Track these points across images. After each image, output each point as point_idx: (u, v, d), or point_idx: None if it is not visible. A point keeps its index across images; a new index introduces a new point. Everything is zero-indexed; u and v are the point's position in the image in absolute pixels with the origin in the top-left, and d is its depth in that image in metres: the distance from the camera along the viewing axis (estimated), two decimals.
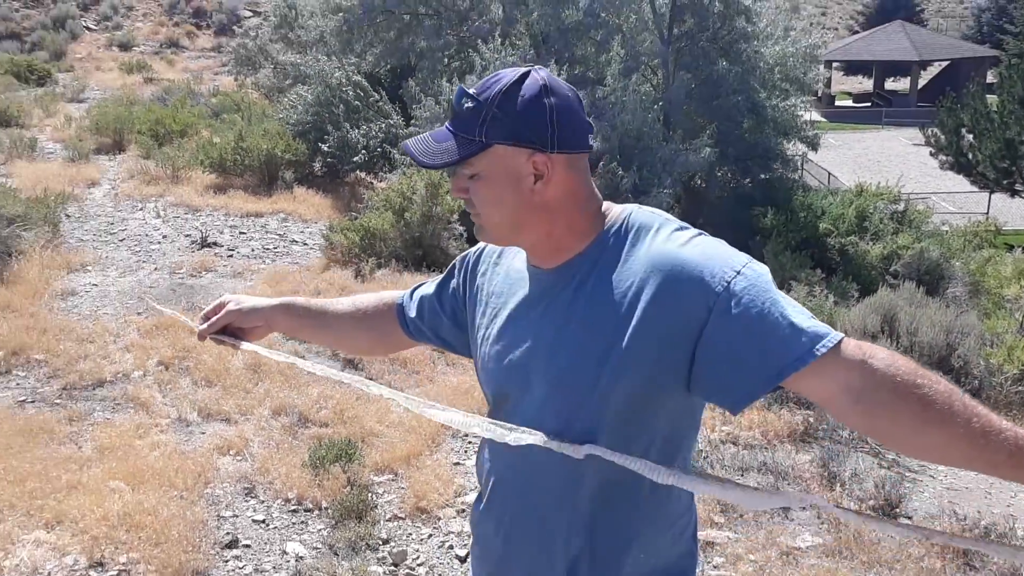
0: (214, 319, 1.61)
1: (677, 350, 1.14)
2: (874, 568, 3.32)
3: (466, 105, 1.22)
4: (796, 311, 1.12)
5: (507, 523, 1.33)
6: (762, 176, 12.15)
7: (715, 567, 3.30)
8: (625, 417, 1.18)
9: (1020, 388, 5.52)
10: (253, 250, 8.17)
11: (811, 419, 4.75)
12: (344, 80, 12.22)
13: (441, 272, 1.59)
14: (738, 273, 1.13)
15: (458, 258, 1.52)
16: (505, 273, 1.37)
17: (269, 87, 18.00)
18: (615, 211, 1.28)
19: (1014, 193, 16.68)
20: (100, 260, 7.46)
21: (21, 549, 3.20)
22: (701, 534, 3.48)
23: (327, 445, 3.98)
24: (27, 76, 21.13)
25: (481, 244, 1.45)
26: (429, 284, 1.56)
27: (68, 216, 8.73)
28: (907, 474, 4.41)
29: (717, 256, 1.15)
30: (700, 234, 1.22)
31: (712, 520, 3.63)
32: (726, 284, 1.12)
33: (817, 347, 1.08)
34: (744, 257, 1.17)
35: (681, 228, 1.22)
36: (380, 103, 12.12)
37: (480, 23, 13.06)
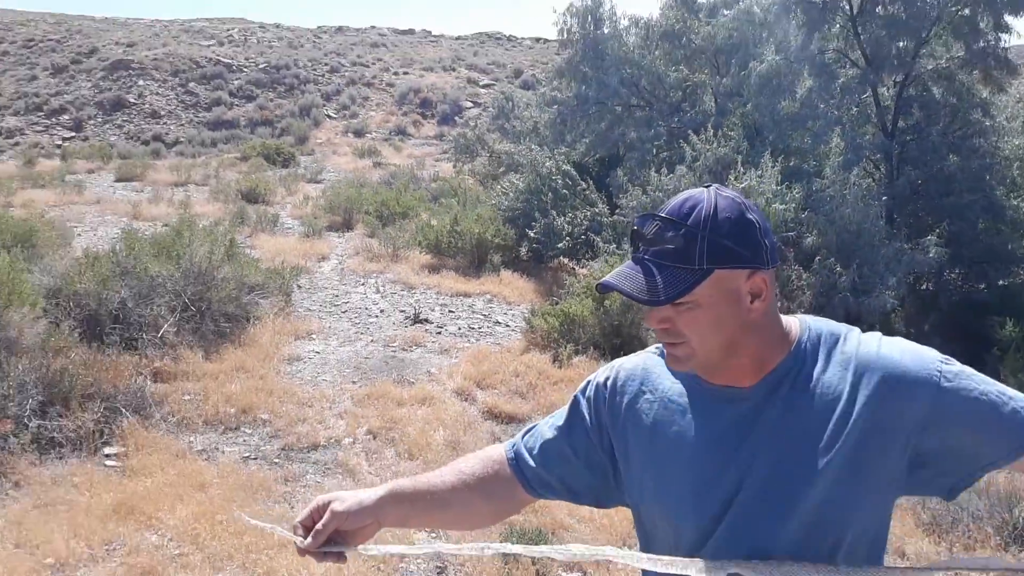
0: (319, 528, 1.35)
1: (895, 450, 1.15)
2: None
3: (669, 233, 1.19)
4: (1007, 388, 1.17)
5: None
6: (1000, 282, 11.10)
7: None
8: (830, 521, 1.18)
9: None
10: (459, 328, 8.52)
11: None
12: (554, 169, 12.66)
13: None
14: (943, 363, 1.17)
15: (579, 394, 1.41)
16: (663, 399, 1.30)
17: (484, 174, 18.99)
18: (793, 320, 1.28)
19: None
20: (324, 329, 8.08)
21: None
22: None
23: (518, 533, 3.99)
24: (275, 158, 23.71)
25: (607, 373, 1.38)
26: (545, 429, 1.42)
27: (299, 287, 9.56)
28: None
29: (916, 353, 1.19)
30: (883, 336, 1.24)
31: None
32: (937, 376, 1.15)
33: None
34: (936, 351, 1.21)
35: (865, 332, 1.26)
36: (587, 191, 12.42)
37: (692, 114, 13.14)
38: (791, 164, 10.69)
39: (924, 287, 10.86)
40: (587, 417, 1.37)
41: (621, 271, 1.23)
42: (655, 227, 1.20)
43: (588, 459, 1.37)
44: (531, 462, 1.40)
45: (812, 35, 11.23)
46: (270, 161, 23.23)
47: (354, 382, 6.57)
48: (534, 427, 1.45)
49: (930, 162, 11.22)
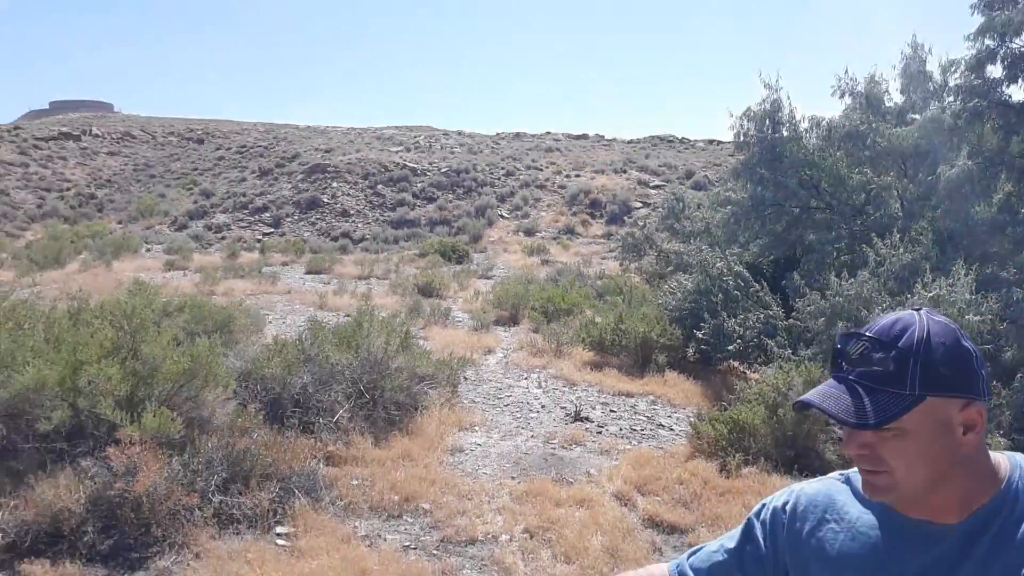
0: None
1: None
2: None
3: (878, 355, 1.14)
4: None
5: None
6: None
7: None
8: None
9: None
10: (621, 429, 8.37)
11: None
12: (725, 270, 12.42)
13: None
14: None
15: (753, 517, 1.33)
16: (850, 530, 1.21)
17: (651, 273, 18.93)
18: (1001, 457, 1.18)
19: None
20: (486, 422, 8.18)
21: None
22: None
23: None
24: (450, 255, 24.84)
25: (785, 497, 1.30)
26: (714, 550, 1.36)
27: (466, 379, 9.79)
28: None
29: None
30: None
31: None
32: None
33: None
34: None
35: None
36: (760, 293, 12.05)
37: (877, 217, 12.57)
38: (988, 271, 9.94)
39: None
40: (761, 542, 1.31)
41: (823, 390, 1.19)
42: (861, 347, 1.16)
43: None
44: None
45: (1010, 138, 10.58)
46: (445, 257, 24.34)
47: (513, 477, 6.56)
48: (701, 548, 1.39)
49: None
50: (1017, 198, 10.85)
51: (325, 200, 35.94)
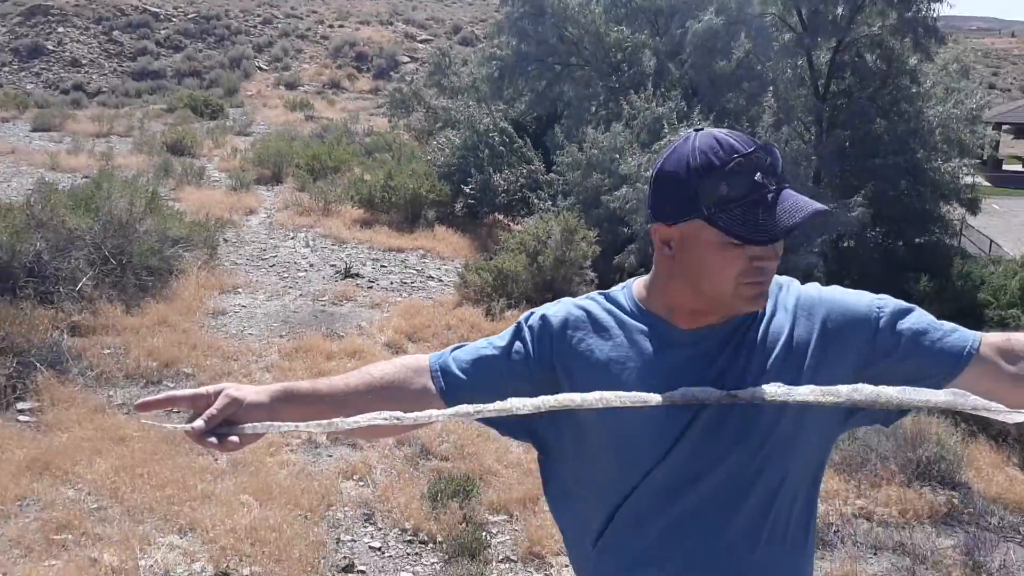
0: (213, 412, 1.20)
1: (846, 377, 1.17)
2: None
3: (779, 162, 1.21)
4: (939, 323, 1.23)
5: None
6: (917, 240, 11.53)
7: None
8: (777, 453, 1.20)
9: None
10: (392, 283, 8.45)
11: (955, 500, 4.39)
12: (491, 126, 12.57)
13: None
14: (879, 300, 1.23)
15: (523, 322, 1.34)
16: (618, 338, 1.26)
17: (420, 129, 18.73)
18: None
19: None
20: (251, 284, 7.92)
21: (156, 551, 3.38)
22: None
23: (446, 479, 4.02)
24: (203, 110, 22.96)
25: (556, 308, 1.32)
26: (481, 345, 1.35)
27: (226, 241, 9.34)
28: None
29: (854, 294, 1.25)
30: (819, 285, 1.30)
31: None
32: (876, 312, 1.21)
33: (974, 339, 1.19)
34: (871, 293, 1.27)
35: (804, 283, 1.29)
36: (524, 149, 12.38)
37: (631, 74, 13.14)
38: (725, 124, 10.82)
39: (846, 244, 11.20)
40: (530, 344, 1.30)
41: (793, 205, 1.18)
42: (774, 158, 1.21)
43: (516, 387, 1.27)
44: (460, 375, 1.31)
45: None
46: (197, 113, 22.48)
47: (282, 336, 6.48)
48: (464, 344, 1.37)
49: (858, 125, 11.52)
50: (754, 56, 11.76)
51: (50, 47, 31.56)
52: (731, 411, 1.17)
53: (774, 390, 1.12)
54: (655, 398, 1.15)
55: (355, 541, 3.66)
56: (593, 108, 13.19)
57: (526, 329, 1.32)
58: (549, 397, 1.17)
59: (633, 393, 1.15)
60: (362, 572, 3.43)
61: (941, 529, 4.16)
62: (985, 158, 26.93)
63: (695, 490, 1.19)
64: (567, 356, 1.28)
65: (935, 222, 11.72)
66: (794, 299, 1.25)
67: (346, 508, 3.92)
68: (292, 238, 10.04)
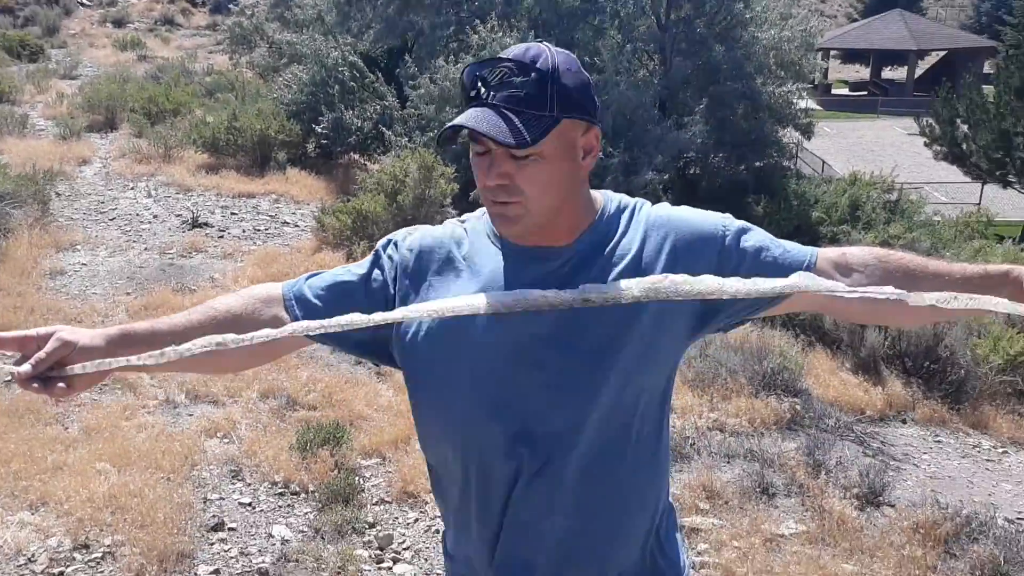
0: (42, 355, 1.14)
1: (690, 302, 1.21)
2: (855, 555, 3.34)
3: (518, 78, 1.14)
4: (780, 241, 1.31)
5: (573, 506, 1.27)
6: (756, 164, 12.15)
7: (699, 553, 3.32)
8: (631, 371, 1.23)
9: (1005, 378, 5.55)
10: (244, 231, 8.14)
11: (797, 406, 4.77)
12: (340, 60, 12.13)
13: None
14: (726, 219, 1.30)
15: (380, 249, 1.33)
16: (471, 261, 1.27)
17: (264, 66, 17.85)
18: (594, 191, 1.32)
19: (1006, 184, 16.69)
20: (90, 239, 7.42)
21: (5, 530, 3.20)
22: (685, 520, 3.50)
23: (315, 428, 3.98)
24: (19, 51, 20.94)
25: (410, 233, 1.32)
26: (339, 271, 1.32)
27: (58, 194, 8.68)
28: (891, 462, 4.44)
29: (702, 213, 1.31)
30: (669, 204, 1.35)
31: (697, 507, 3.64)
32: (724, 228, 1.27)
33: (812, 254, 1.28)
34: (719, 213, 1.33)
35: (654, 204, 1.34)
36: (375, 84, 12.05)
37: (482, 3, 12.95)
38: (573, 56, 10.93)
39: (692, 171, 11.68)
40: (387, 270, 1.30)
41: (472, 114, 1.13)
42: (501, 72, 1.14)
43: (376, 310, 1.23)
44: (316, 302, 1.27)
45: None
46: (13, 55, 20.47)
47: (128, 293, 6.14)
48: (320, 272, 1.34)
49: (699, 53, 11.88)
50: None
51: None
52: (578, 321, 1.19)
53: (627, 284, 1.12)
54: (481, 300, 1.13)
55: (223, 499, 3.59)
56: (444, 40, 12.96)
57: (384, 256, 1.32)
58: (387, 312, 1.15)
59: (462, 298, 1.15)
60: (232, 529, 3.38)
61: (786, 434, 4.52)
62: (816, 83, 28.54)
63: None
64: (420, 283, 1.28)
65: (772, 146, 12.38)
66: (644, 218, 1.28)
67: (211, 467, 3.82)
68: (132, 188, 9.43)
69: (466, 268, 1.27)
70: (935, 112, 17.26)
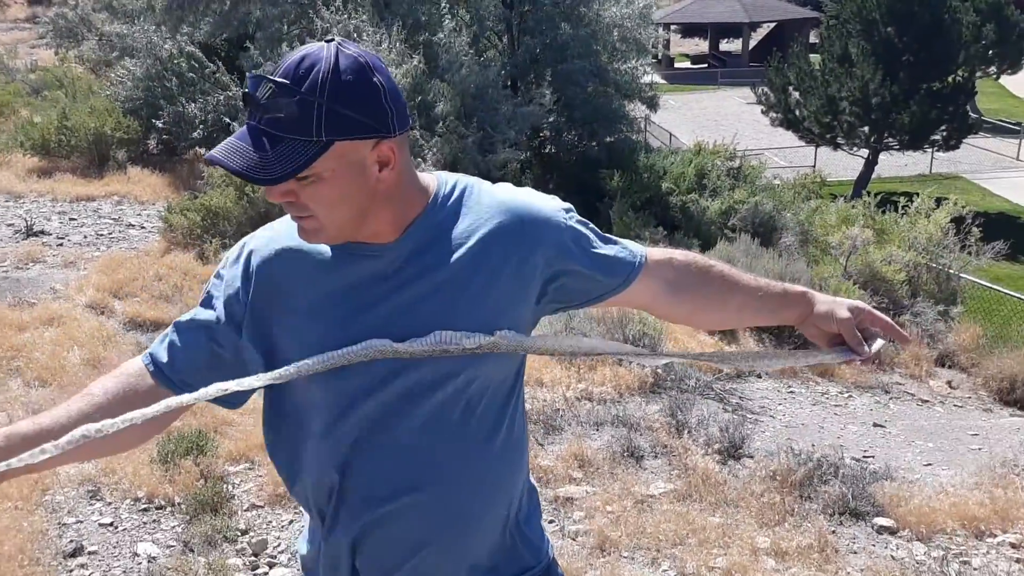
0: None
1: (529, 288, 1.25)
2: (721, 508, 3.53)
3: (283, 100, 1.06)
4: (612, 238, 1.37)
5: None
6: (607, 139, 12.48)
7: (575, 522, 3.42)
8: (470, 360, 1.22)
9: None
10: (86, 237, 7.66)
11: (659, 370, 4.97)
12: (176, 52, 11.56)
13: None
14: (566, 210, 1.31)
15: (220, 269, 1.28)
16: (304, 260, 1.22)
17: (95, 61, 16.80)
18: (431, 177, 1.27)
19: (836, 146, 17.94)
20: None
21: None
22: (560, 491, 3.59)
23: (176, 439, 3.81)
24: None
25: (238, 248, 1.28)
26: (184, 322, 1.27)
27: None
28: (748, 416, 4.71)
29: (542, 199, 1.31)
30: (511, 185, 1.34)
31: (570, 476, 3.75)
32: (562, 220, 1.28)
33: (642, 254, 1.36)
34: (560, 200, 1.34)
35: (492, 183, 1.32)
36: (217, 74, 11.55)
37: None
38: (420, 37, 10.83)
39: (548, 150, 11.88)
40: (230, 289, 1.25)
41: (231, 143, 1.08)
42: (268, 91, 1.07)
43: (230, 340, 1.25)
44: (169, 360, 1.24)
45: None
46: None
47: None
48: (174, 324, 1.29)
49: (546, 31, 12.05)
50: None
51: None
52: (416, 331, 1.19)
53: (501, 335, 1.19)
54: (328, 358, 1.16)
55: (81, 522, 3.39)
56: (286, 27, 12.54)
57: (225, 272, 1.27)
58: (250, 377, 1.18)
59: (344, 350, 1.16)
60: (93, 553, 3.20)
61: (650, 397, 4.70)
62: (659, 57, 29.58)
63: (387, 390, 1.21)
64: (265, 283, 1.24)
65: (622, 120, 12.75)
66: (481, 200, 1.25)
67: (65, 489, 3.60)
68: None
69: (300, 264, 1.23)
70: (769, 81, 18.29)
